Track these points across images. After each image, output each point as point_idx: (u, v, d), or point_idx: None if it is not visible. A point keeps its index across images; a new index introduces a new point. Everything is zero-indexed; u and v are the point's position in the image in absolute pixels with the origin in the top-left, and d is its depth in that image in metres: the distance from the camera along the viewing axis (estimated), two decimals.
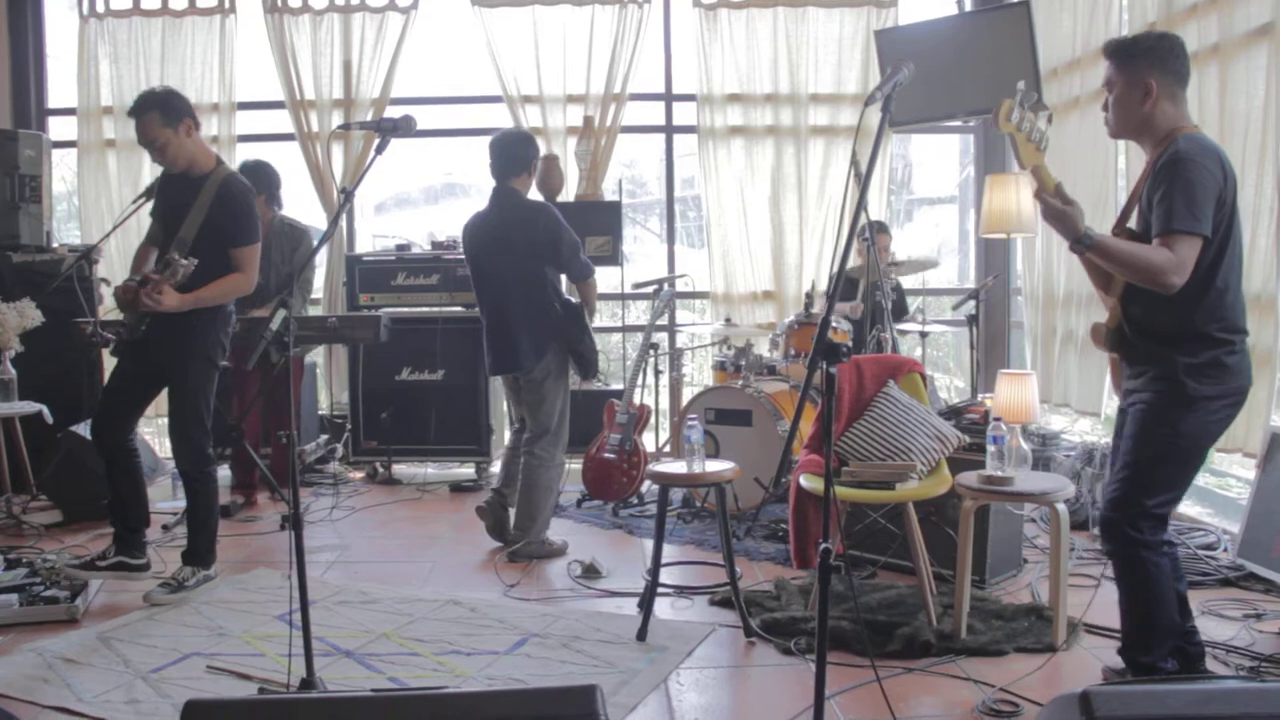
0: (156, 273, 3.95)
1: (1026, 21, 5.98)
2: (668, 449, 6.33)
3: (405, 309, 6.61)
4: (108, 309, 5.69)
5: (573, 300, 4.87)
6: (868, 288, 5.52)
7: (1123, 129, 3.05)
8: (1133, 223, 3.08)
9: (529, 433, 4.81)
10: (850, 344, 5.59)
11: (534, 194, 5.00)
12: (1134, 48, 2.97)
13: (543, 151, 7.02)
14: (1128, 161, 5.40)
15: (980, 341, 6.07)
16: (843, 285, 5.92)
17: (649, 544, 4.38)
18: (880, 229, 6.16)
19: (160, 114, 4.03)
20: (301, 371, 6.26)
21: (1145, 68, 2.92)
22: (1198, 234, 2.78)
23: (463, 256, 5.07)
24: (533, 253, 4.65)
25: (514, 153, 4.77)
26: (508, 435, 5.14)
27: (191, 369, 4.20)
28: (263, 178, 5.68)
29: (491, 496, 4.97)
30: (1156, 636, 3.00)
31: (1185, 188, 2.78)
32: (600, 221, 6.74)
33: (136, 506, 4.30)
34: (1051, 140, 6.40)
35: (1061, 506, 3.52)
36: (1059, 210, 2.89)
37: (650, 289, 6.24)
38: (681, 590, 4.22)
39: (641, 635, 3.68)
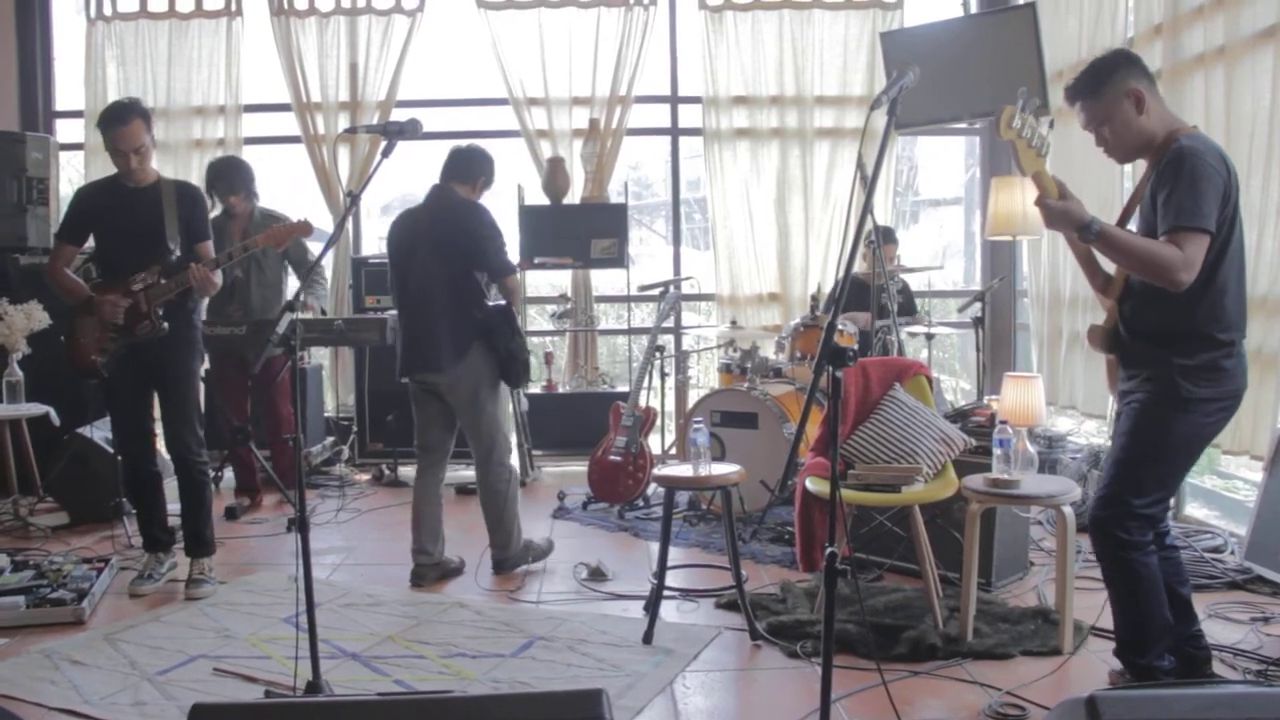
0: (162, 273, 4.16)
1: (1032, 23, 5.97)
2: (673, 451, 6.33)
3: None
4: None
5: (503, 303, 4.59)
6: (875, 292, 5.51)
7: (1130, 152, 3.01)
8: (1133, 225, 3.08)
9: (475, 453, 4.54)
10: (856, 348, 5.59)
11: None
12: (1099, 71, 2.95)
13: (548, 154, 7.07)
14: (1134, 164, 5.39)
15: (986, 344, 6.07)
16: (852, 291, 6.01)
17: (655, 547, 4.38)
18: (887, 238, 6.14)
19: (144, 121, 4.14)
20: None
21: (1121, 80, 2.91)
22: (1205, 230, 2.76)
23: None
24: (461, 250, 4.43)
25: (468, 162, 4.61)
26: (512, 439, 4.96)
27: (190, 359, 4.38)
28: (239, 177, 5.63)
29: (416, 564, 4.50)
30: (1151, 637, 2.99)
31: (1191, 185, 2.76)
32: (606, 224, 6.75)
33: (163, 527, 4.51)
34: (1058, 144, 6.42)
35: (1068, 509, 3.51)
36: (1060, 209, 2.87)
37: (656, 291, 6.24)
38: (687, 593, 4.21)
39: (647, 638, 3.68)
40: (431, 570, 4.51)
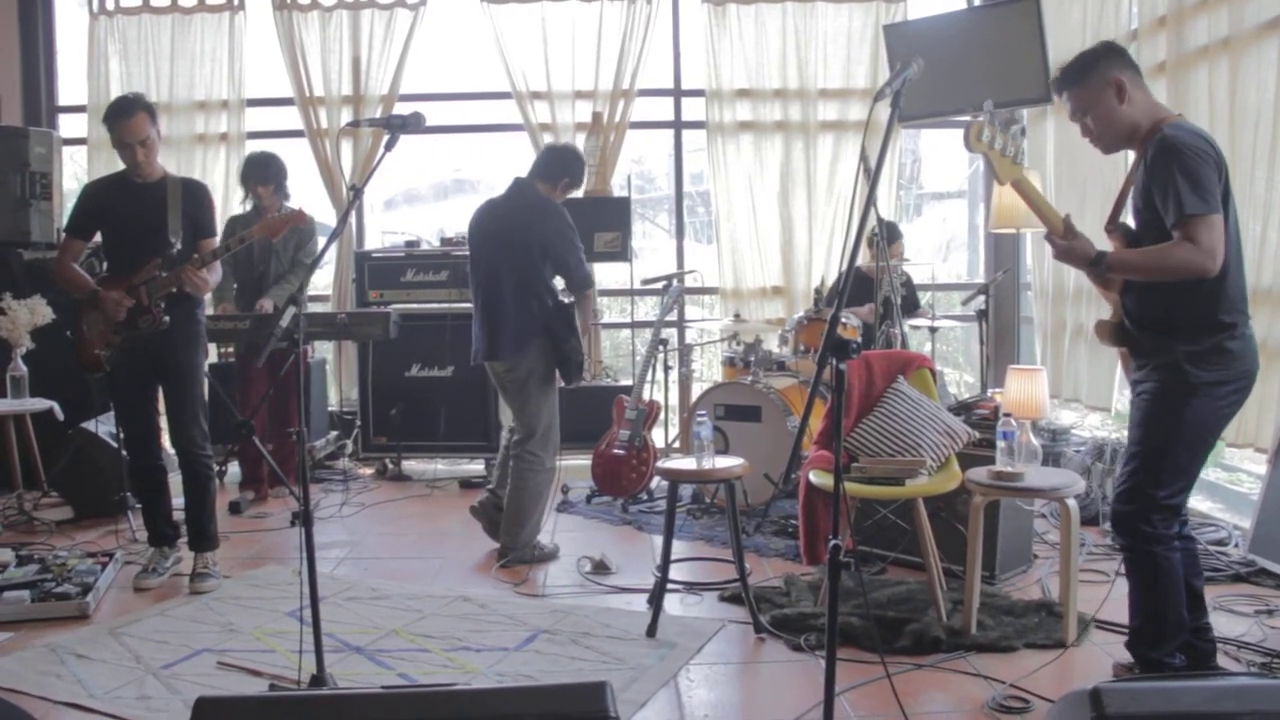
0: (162, 267, 4.17)
1: (1036, 15, 5.96)
2: (677, 445, 6.33)
3: (414, 305, 6.61)
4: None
5: (566, 301, 4.72)
6: (878, 285, 5.50)
7: (1114, 141, 3.03)
8: (1129, 221, 3.08)
9: (517, 434, 4.70)
10: (860, 340, 5.58)
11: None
12: (1083, 62, 2.98)
13: None
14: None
15: (990, 337, 6.05)
16: (856, 285, 6.00)
17: (658, 540, 4.38)
18: (891, 234, 6.12)
19: (148, 114, 4.18)
20: (308, 366, 6.20)
21: (1105, 69, 2.94)
22: (1213, 213, 2.76)
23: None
24: (534, 249, 4.54)
25: (555, 161, 4.72)
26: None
27: (195, 353, 4.40)
28: (272, 169, 5.69)
29: (485, 497, 4.87)
30: (1166, 632, 2.99)
31: (1185, 172, 2.76)
32: (609, 217, 6.73)
33: (168, 521, 4.52)
34: (1063, 138, 6.39)
35: (1072, 502, 3.51)
36: (1065, 249, 2.97)
37: (659, 285, 6.24)
38: (691, 586, 4.21)
39: (651, 631, 3.68)
40: (492, 510, 4.81)
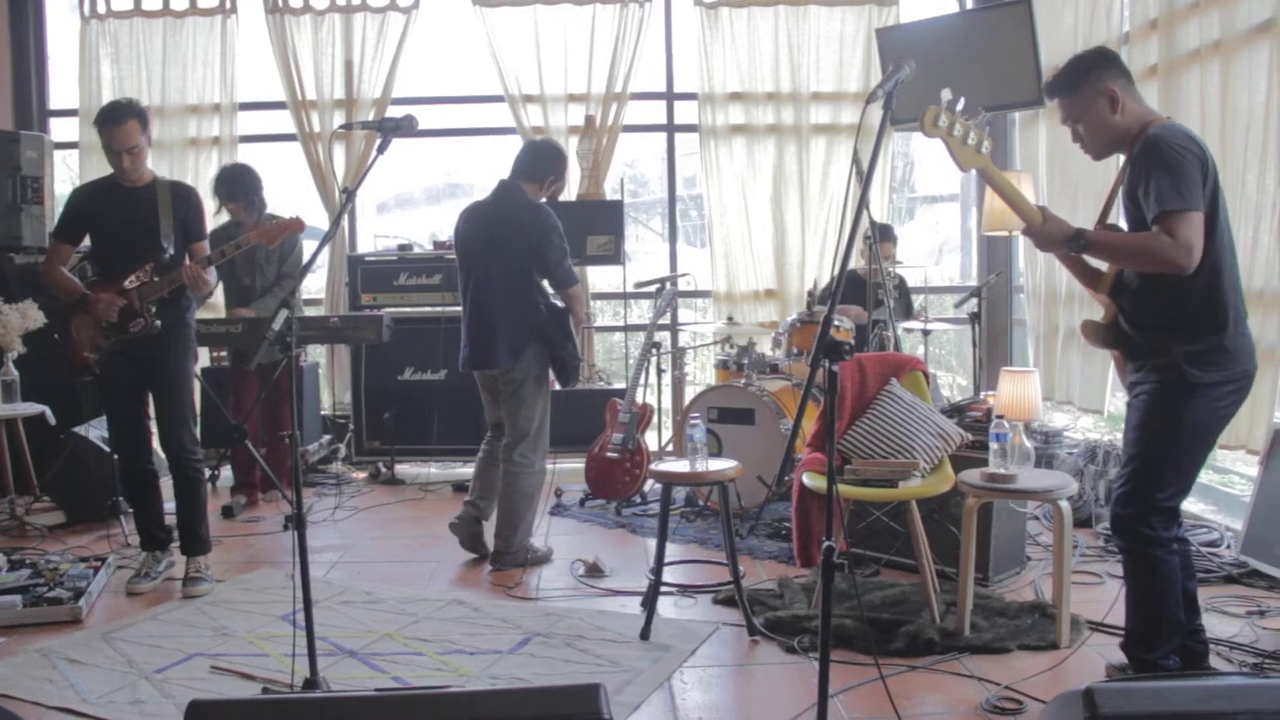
0: (155, 271, 4.17)
1: (1028, 19, 5.98)
2: (670, 448, 6.33)
3: (407, 309, 6.61)
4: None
5: (559, 305, 4.69)
6: (871, 289, 5.51)
7: (1104, 148, 3.03)
8: (1120, 222, 3.08)
9: (507, 438, 4.67)
10: (853, 342, 5.59)
11: None
12: (1076, 70, 2.98)
13: None
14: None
15: (983, 339, 6.07)
16: (849, 286, 6.00)
17: (652, 543, 4.38)
18: (885, 235, 6.13)
19: (139, 121, 4.16)
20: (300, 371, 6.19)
21: (1096, 79, 2.93)
22: (1191, 210, 2.74)
23: None
24: (522, 251, 4.52)
25: (537, 158, 4.66)
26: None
27: (184, 358, 4.39)
28: (239, 184, 5.57)
29: (464, 510, 4.76)
30: (1162, 634, 2.99)
31: (1166, 168, 2.76)
32: (602, 221, 6.74)
33: (160, 525, 4.51)
34: (1055, 139, 6.39)
35: (1064, 504, 3.51)
36: (1043, 233, 2.96)
37: (652, 288, 6.25)
38: (685, 589, 4.21)
39: (645, 634, 3.68)
40: (471, 522, 4.74)
